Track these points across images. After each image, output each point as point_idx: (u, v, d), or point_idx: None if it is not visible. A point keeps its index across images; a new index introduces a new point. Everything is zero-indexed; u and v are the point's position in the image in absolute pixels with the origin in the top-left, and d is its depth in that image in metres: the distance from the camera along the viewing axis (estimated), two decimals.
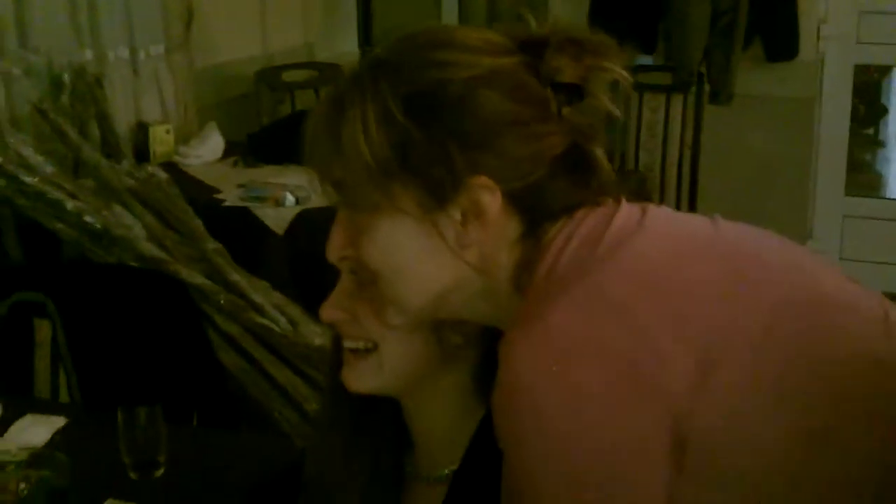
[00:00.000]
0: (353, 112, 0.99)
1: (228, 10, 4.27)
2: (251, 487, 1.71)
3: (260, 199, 3.24)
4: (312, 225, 3.07)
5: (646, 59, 4.53)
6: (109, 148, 3.33)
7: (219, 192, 3.38)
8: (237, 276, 2.81)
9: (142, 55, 3.72)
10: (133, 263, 2.74)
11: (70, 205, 2.75)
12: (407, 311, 1.05)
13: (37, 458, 1.58)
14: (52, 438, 1.86)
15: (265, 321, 2.78)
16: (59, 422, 1.91)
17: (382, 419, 1.22)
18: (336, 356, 1.17)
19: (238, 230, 3.10)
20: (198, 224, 2.89)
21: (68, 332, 2.40)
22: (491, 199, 0.98)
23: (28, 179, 2.74)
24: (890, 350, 0.97)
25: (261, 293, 2.81)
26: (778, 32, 4.41)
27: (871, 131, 6.22)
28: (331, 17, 4.99)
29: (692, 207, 4.22)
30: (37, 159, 2.79)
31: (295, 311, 2.83)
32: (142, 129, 3.71)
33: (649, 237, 0.98)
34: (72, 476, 1.53)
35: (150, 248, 2.77)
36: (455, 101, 0.97)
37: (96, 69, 3.49)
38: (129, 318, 2.54)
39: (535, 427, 0.91)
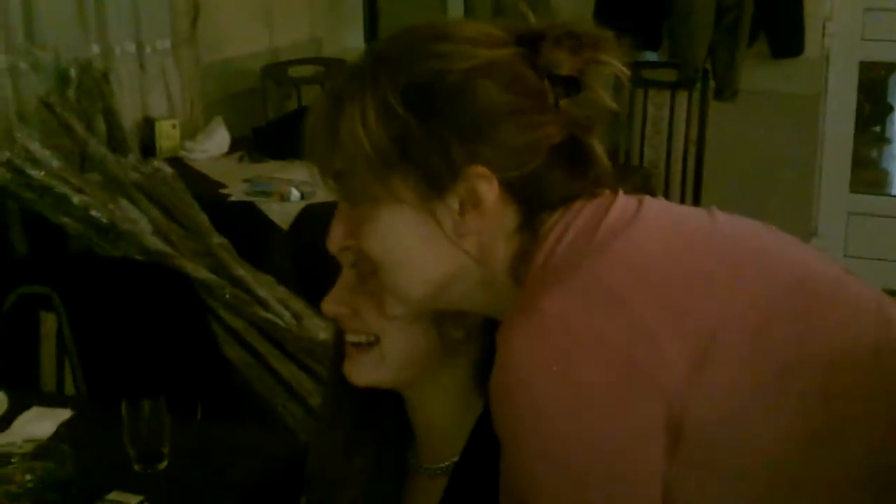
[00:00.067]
0: (353, 105, 0.99)
1: (235, 5, 4.26)
2: (254, 481, 1.73)
3: (265, 194, 3.23)
4: (317, 220, 3.05)
5: (651, 56, 4.52)
6: (116, 142, 3.33)
7: (224, 186, 3.37)
8: (242, 271, 2.81)
9: (148, 50, 3.71)
10: (138, 257, 2.75)
11: (76, 199, 2.76)
12: (407, 301, 1.06)
13: (42, 450, 1.60)
14: (58, 431, 1.87)
15: (270, 315, 2.79)
16: (64, 414, 1.92)
17: (384, 413, 1.23)
18: (338, 350, 1.18)
19: (243, 225, 3.09)
20: (203, 219, 2.89)
21: (74, 326, 2.40)
22: (488, 188, 0.98)
23: (35, 173, 2.75)
24: (888, 343, 0.97)
25: (265, 288, 2.82)
26: (783, 29, 4.40)
27: (877, 128, 6.20)
28: (337, 12, 4.98)
29: (696, 203, 4.20)
30: (43, 153, 2.79)
31: (299, 305, 2.83)
32: (148, 124, 3.70)
33: (645, 228, 0.99)
34: (76, 468, 1.55)
35: (155, 243, 2.77)
36: (453, 92, 0.98)
37: (103, 64, 3.49)
38: (135, 312, 2.55)
39: (534, 427, 0.91)
